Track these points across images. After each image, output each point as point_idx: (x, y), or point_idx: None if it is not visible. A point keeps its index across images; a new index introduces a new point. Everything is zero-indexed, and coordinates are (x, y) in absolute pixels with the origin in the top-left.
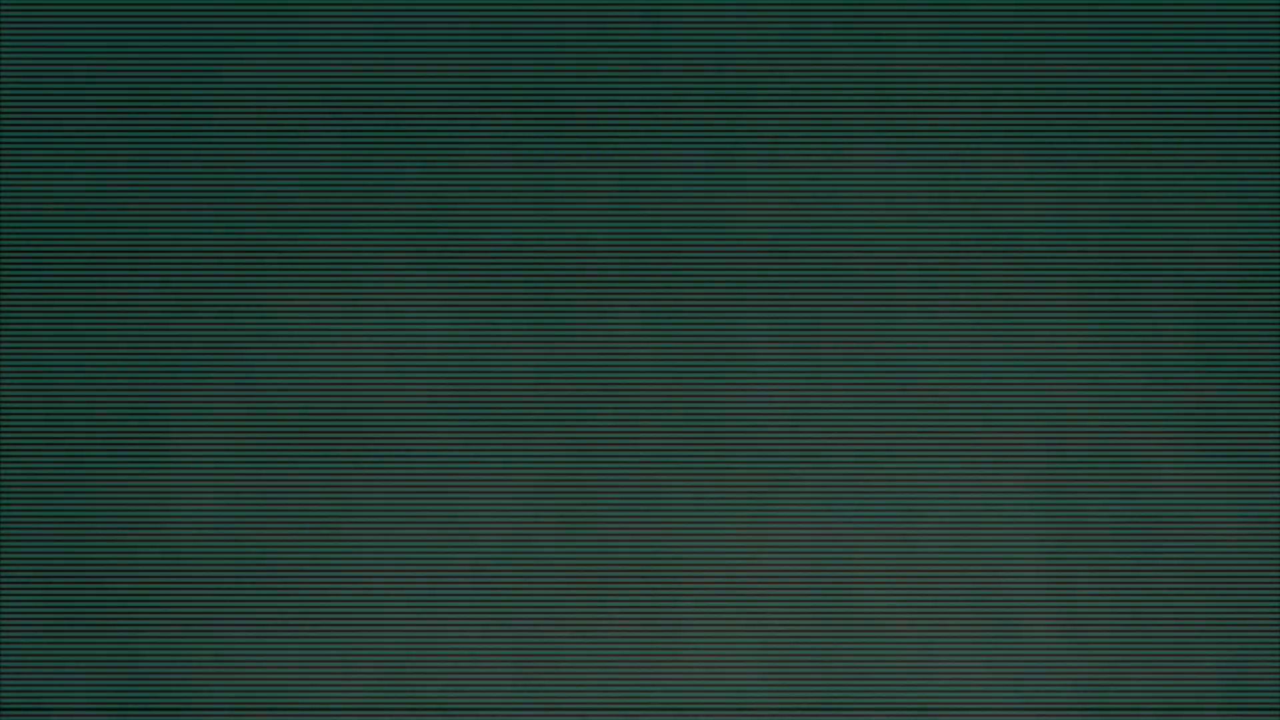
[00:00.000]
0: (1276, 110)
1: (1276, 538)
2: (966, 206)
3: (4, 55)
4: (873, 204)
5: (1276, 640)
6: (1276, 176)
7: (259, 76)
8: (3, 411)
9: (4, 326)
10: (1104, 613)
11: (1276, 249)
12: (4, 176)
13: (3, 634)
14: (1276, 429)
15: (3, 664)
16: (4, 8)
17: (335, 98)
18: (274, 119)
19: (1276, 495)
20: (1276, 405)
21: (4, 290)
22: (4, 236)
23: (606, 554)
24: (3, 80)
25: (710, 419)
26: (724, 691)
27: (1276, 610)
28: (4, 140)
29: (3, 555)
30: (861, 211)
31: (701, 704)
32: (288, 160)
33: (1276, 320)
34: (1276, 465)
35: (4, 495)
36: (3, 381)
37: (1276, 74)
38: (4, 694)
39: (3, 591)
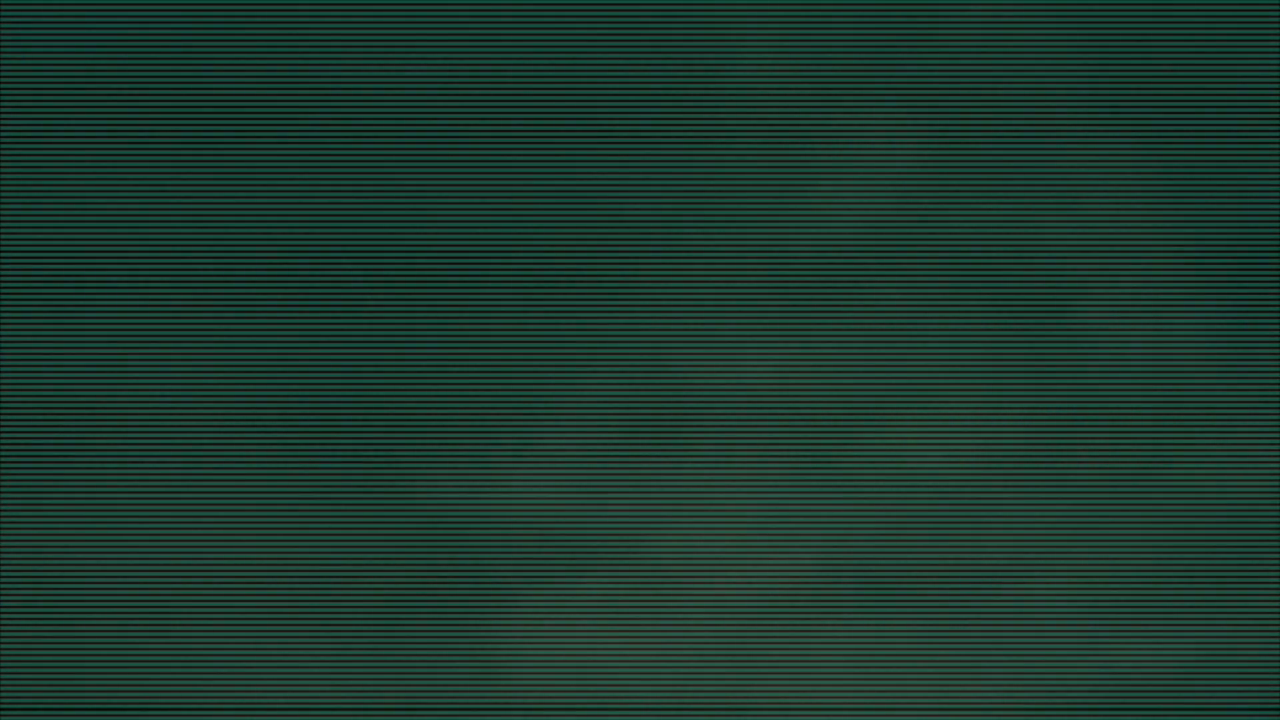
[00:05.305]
0: (1277, 110)
1: (1277, 537)
2: (968, 207)
3: (4, 55)
4: (872, 203)
5: (1277, 640)
6: (1277, 177)
7: (259, 77)
8: (2, 411)
9: (3, 326)
10: (1106, 614)
11: (1277, 249)
12: (4, 176)
13: (3, 634)
14: (1276, 429)
15: (3, 664)
16: (4, 8)
17: (333, 99)
18: (270, 119)
19: (1276, 494)
20: (1276, 406)
21: (2, 290)
22: (4, 236)
23: (602, 554)
24: (3, 80)
25: (702, 418)
26: (720, 691)
27: (1277, 610)
28: (4, 140)
29: (3, 555)
30: (860, 211)
31: (697, 703)
32: (285, 160)
33: (1276, 320)
34: (1276, 465)
35: (4, 495)
36: (2, 381)
37: (1277, 74)
38: (4, 694)
39: (3, 591)
